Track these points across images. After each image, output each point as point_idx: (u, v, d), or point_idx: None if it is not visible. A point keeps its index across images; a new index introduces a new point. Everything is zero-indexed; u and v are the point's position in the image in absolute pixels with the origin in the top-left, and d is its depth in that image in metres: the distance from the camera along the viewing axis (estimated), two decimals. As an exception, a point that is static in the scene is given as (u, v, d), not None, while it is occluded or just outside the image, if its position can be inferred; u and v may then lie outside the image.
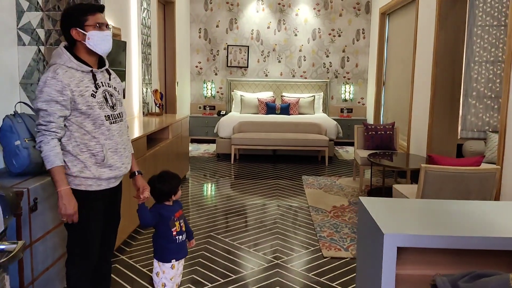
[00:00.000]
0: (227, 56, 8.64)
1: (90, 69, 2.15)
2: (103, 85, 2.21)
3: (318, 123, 6.95)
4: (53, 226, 2.60)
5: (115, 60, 4.35)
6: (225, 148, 7.07)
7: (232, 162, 6.69)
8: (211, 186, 5.46)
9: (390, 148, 5.42)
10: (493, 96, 5.04)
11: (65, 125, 2.11)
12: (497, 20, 4.95)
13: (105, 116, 2.16)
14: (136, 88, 5.31)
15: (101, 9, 2.19)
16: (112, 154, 2.18)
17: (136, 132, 4.13)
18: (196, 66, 8.77)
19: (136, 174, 2.42)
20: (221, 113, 8.54)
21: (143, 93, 5.42)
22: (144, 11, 5.40)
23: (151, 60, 5.71)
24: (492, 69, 5.02)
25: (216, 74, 8.77)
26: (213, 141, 8.41)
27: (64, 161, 2.10)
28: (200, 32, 8.67)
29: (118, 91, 2.32)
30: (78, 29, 2.11)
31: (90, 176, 2.14)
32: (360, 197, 1.62)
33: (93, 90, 2.14)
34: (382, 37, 7.73)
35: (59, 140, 2.09)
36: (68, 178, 2.11)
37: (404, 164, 4.74)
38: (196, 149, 7.77)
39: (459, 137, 5.19)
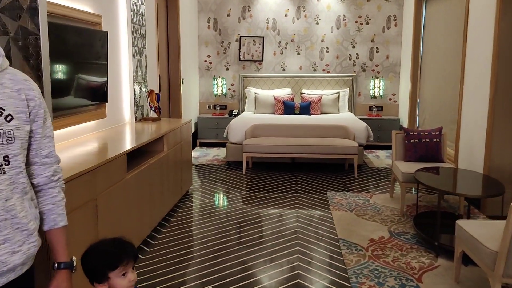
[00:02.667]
0: (240, 49, 7.66)
1: None
2: None
3: (345, 125, 5.93)
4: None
5: (91, 51, 3.43)
6: (236, 155, 6.12)
7: (244, 172, 5.73)
8: (217, 203, 4.52)
9: (436, 160, 4.39)
10: None
11: None
12: None
13: None
14: (127, 87, 4.39)
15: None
16: None
17: (116, 147, 3.21)
18: (205, 61, 7.82)
19: (56, 267, 1.46)
20: (233, 113, 7.59)
21: (135, 94, 4.49)
22: (135, -5, 4.47)
23: (145, 54, 4.78)
24: None
25: (227, 69, 7.81)
26: (224, 145, 7.47)
27: None
28: (209, 22, 7.71)
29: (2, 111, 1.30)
30: None
31: None
32: None
33: None
34: (419, 24, 6.64)
35: None
36: None
37: (477, 189, 3.51)
38: (204, 155, 6.84)
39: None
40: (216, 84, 7.76)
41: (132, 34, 4.38)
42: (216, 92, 7.79)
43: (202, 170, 5.92)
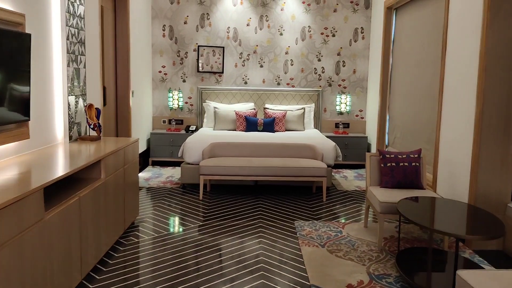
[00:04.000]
0: (198, 59, 7.07)
1: None
2: None
3: (312, 144, 5.42)
4: None
5: (8, 56, 2.75)
6: (192, 176, 5.48)
7: (200, 197, 5.09)
8: (169, 233, 3.86)
9: (416, 186, 3.93)
10: (562, 115, 3.61)
11: None
12: None
13: None
14: (59, 100, 3.69)
15: None
16: None
17: (35, 177, 2.53)
18: (160, 71, 7.17)
19: None
20: (190, 129, 6.96)
21: (70, 108, 3.80)
22: (72, -7, 3.80)
23: (85, 62, 4.10)
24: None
25: (184, 81, 7.18)
26: (179, 164, 6.82)
27: None
28: (164, 30, 7.08)
29: None
30: None
31: None
32: None
33: None
34: (388, 36, 6.28)
35: None
36: None
37: (478, 229, 2.87)
38: (156, 176, 6.15)
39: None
40: (172, 97, 7.12)
41: (67, 39, 3.70)
42: (171, 106, 7.14)
43: (153, 195, 5.24)
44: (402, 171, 3.93)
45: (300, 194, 5.36)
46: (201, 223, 4.27)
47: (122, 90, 5.80)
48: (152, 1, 6.99)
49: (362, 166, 6.91)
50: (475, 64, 3.68)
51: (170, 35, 7.08)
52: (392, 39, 6.26)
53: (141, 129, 6.56)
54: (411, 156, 4.00)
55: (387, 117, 6.39)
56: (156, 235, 3.93)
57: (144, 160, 6.79)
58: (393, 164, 3.95)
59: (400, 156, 3.99)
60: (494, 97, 3.57)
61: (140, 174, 6.21)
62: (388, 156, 3.99)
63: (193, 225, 4.20)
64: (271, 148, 5.39)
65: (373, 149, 6.70)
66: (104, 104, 5.24)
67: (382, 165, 4.00)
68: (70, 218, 2.68)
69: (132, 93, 5.95)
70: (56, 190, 2.88)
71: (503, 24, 3.52)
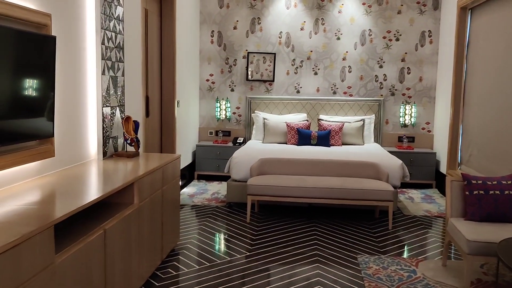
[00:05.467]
0: (247, 67, 6.59)
1: None
2: None
3: (375, 162, 4.77)
4: None
5: (32, 62, 2.36)
6: (239, 195, 4.98)
7: (247, 220, 4.57)
8: (211, 265, 3.36)
9: (509, 219, 3.21)
10: None
11: None
12: None
13: None
14: (93, 112, 3.30)
15: None
16: None
17: (49, 209, 2.09)
18: (207, 80, 6.75)
19: None
20: (238, 141, 6.48)
21: (104, 121, 3.40)
22: (109, -7, 3.42)
23: (123, 69, 3.70)
24: None
25: (232, 90, 6.73)
26: (226, 178, 6.34)
27: None
28: (212, 36, 6.67)
29: None
30: None
31: None
32: None
33: None
34: (462, 40, 5.52)
35: None
36: None
37: None
38: (201, 192, 5.70)
39: None
40: (219, 107, 6.68)
41: (102, 43, 3.31)
42: (219, 117, 6.70)
43: (197, 214, 4.77)
44: (493, 200, 3.22)
45: (361, 219, 4.72)
46: (249, 250, 3.74)
47: (167, 100, 5.41)
48: (200, 5, 6.61)
49: (430, 186, 6.14)
50: None
51: (219, 41, 6.66)
52: (466, 44, 5.50)
53: (187, 141, 6.15)
54: (503, 182, 3.28)
55: (460, 131, 5.61)
56: (197, 266, 3.42)
57: (190, 174, 6.38)
58: (481, 192, 3.25)
59: (490, 183, 3.29)
60: None
61: (184, 190, 5.78)
62: (474, 182, 3.30)
63: (239, 253, 3.67)
64: (327, 165, 4.79)
65: (443, 166, 5.92)
66: (147, 115, 4.85)
67: (467, 192, 3.30)
68: (91, 257, 2.22)
69: (178, 103, 5.55)
70: (77, 220, 2.44)
71: None
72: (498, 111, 4.56)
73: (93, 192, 2.46)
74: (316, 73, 6.57)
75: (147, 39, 4.79)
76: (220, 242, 3.98)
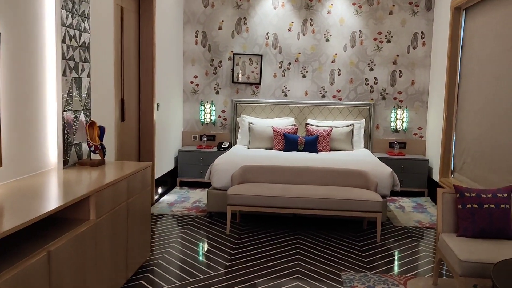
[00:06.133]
0: (233, 69, 6.32)
1: None
2: None
3: (364, 171, 4.51)
4: None
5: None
6: (220, 204, 4.70)
7: (227, 231, 4.28)
8: (184, 284, 3.09)
9: (504, 235, 2.95)
10: None
11: None
12: None
13: None
14: (52, 116, 3.01)
15: None
16: None
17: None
18: (191, 82, 6.48)
19: None
20: (222, 146, 6.20)
21: (65, 126, 3.11)
22: (72, -13, 3.14)
23: (89, 71, 3.41)
24: None
25: (217, 92, 6.45)
26: (210, 185, 6.06)
27: None
28: (197, 36, 6.39)
29: None
30: None
31: None
32: None
33: None
34: (456, 42, 5.28)
35: None
36: None
37: None
38: (182, 200, 5.41)
39: None
40: (204, 110, 6.40)
41: (63, 42, 3.03)
42: (203, 120, 6.42)
43: (174, 225, 4.49)
44: (487, 215, 2.96)
45: (348, 230, 4.45)
46: (226, 266, 3.46)
47: (145, 103, 5.13)
48: (184, 4, 6.33)
49: (422, 194, 5.88)
50: None
51: (203, 42, 6.39)
52: (460, 46, 5.25)
53: (169, 146, 5.87)
54: (498, 195, 3.02)
55: (454, 138, 5.36)
56: (166, 286, 3.14)
57: (172, 180, 6.09)
58: (475, 205, 2.99)
59: (484, 195, 3.03)
60: None
61: (164, 198, 5.49)
62: (467, 194, 3.04)
63: (214, 269, 3.39)
64: (313, 173, 4.52)
65: (435, 173, 5.67)
66: (123, 119, 4.57)
67: (459, 206, 3.04)
68: (31, 284, 1.93)
69: (158, 106, 5.27)
70: (24, 240, 2.16)
71: None
72: (494, 117, 4.31)
73: (42, 207, 2.18)
74: (304, 76, 6.31)
75: (123, 38, 4.51)
76: (196, 257, 3.70)
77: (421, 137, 6.23)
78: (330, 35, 6.21)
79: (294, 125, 5.96)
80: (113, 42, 3.95)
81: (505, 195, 3.02)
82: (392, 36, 6.14)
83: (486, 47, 4.59)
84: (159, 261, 3.57)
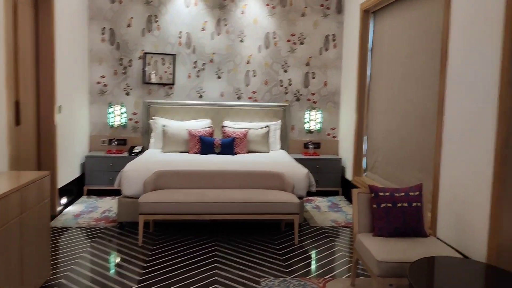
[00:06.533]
0: (144, 69, 6.00)
1: None
2: None
3: (281, 172, 4.46)
4: None
5: None
6: (132, 213, 4.40)
7: (139, 242, 4.00)
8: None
9: (417, 233, 3.03)
10: None
11: None
12: None
13: None
14: None
15: None
16: None
17: None
18: (99, 83, 6.04)
19: None
20: (134, 151, 5.85)
21: None
22: None
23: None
24: None
25: (128, 94, 6.09)
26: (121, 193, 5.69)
27: None
28: (103, 34, 5.98)
29: None
30: None
31: None
32: None
33: None
34: (365, 44, 5.45)
35: None
36: None
37: None
38: (89, 210, 5.00)
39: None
40: (113, 112, 6.00)
41: None
42: (112, 123, 6.02)
43: (81, 238, 4.10)
44: (401, 214, 3.02)
45: (267, 233, 4.38)
46: (139, 280, 3.20)
47: (45, 105, 4.66)
48: (88, -1, 5.89)
49: (336, 193, 6.01)
50: (495, 78, 2.84)
51: (111, 39, 5.99)
52: (369, 48, 5.43)
53: (74, 152, 5.40)
54: (410, 194, 3.10)
55: (365, 138, 5.53)
56: (70, 309, 2.81)
57: (78, 189, 5.62)
58: (389, 204, 3.04)
59: (397, 194, 3.09)
60: (520, 118, 2.73)
61: (69, 209, 5.04)
62: (382, 194, 3.08)
63: (127, 286, 3.12)
64: (230, 177, 4.38)
65: (348, 172, 5.82)
66: (18, 123, 4.10)
67: (374, 205, 3.08)
68: None
69: (60, 108, 4.82)
70: None
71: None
72: (402, 117, 4.49)
73: None
74: (219, 77, 6.17)
75: (17, 34, 4.04)
76: (105, 273, 3.38)
77: (334, 137, 6.37)
78: (245, 36, 6.13)
79: (211, 127, 5.79)
80: (3, 38, 3.50)
81: (417, 193, 3.11)
82: (305, 38, 6.21)
83: (393, 49, 4.77)
84: (62, 280, 3.21)
